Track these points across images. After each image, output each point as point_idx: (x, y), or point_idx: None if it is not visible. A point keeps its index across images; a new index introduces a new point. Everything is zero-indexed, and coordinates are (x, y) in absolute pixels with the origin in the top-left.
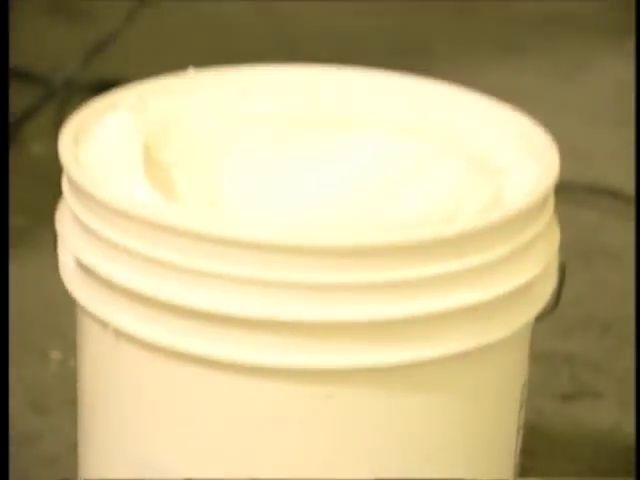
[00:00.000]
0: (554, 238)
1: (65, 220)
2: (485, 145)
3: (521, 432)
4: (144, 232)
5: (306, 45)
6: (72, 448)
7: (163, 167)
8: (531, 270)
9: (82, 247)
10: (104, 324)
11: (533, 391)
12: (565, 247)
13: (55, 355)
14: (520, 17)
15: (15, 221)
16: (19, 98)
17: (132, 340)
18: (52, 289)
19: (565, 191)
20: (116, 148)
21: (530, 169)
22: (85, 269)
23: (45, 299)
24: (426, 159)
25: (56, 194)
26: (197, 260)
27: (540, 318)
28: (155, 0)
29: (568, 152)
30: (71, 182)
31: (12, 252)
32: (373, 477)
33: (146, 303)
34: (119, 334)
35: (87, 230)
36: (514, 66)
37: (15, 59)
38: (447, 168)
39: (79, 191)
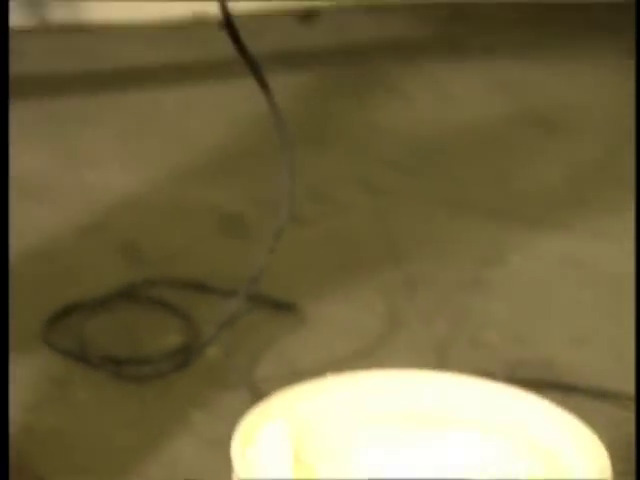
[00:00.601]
0: None
1: None
2: (553, 446)
3: None
4: None
5: (410, 250)
6: None
7: (306, 463)
8: None
9: None
10: None
11: None
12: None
13: None
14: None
15: (193, 415)
16: (198, 305)
17: None
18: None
19: (615, 398)
20: (272, 452)
21: (589, 468)
22: None
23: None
24: (505, 458)
25: (226, 391)
26: None
27: None
28: (303, 222)
29: (615, 361)
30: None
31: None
32: None
33: None
34: None
35: None
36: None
37: (194, 273)
38: (523, 468)
39: None
